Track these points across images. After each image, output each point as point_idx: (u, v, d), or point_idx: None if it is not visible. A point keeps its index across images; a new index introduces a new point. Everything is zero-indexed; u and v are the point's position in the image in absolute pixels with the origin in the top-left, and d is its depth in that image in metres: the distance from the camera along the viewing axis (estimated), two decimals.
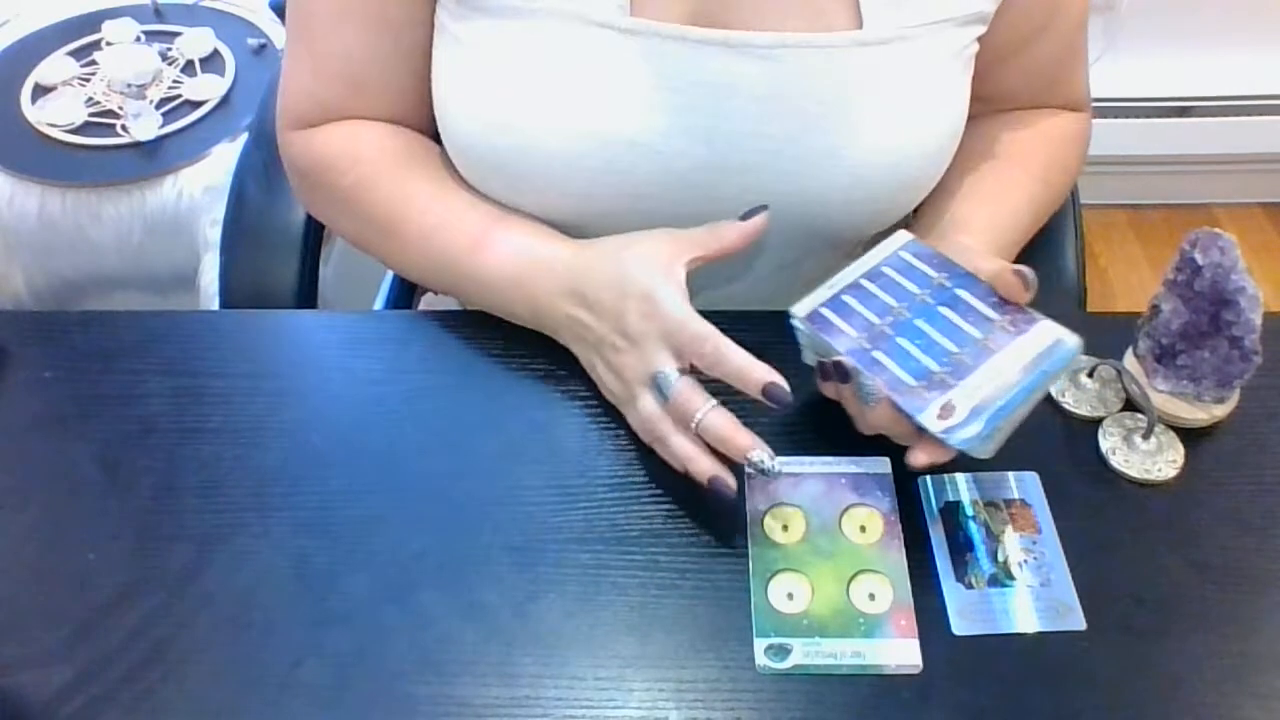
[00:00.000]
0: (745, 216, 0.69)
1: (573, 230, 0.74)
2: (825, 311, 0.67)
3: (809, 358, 0.70)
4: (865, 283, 0.68)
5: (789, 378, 0.72)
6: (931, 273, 0.68)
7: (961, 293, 0.66)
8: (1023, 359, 0.63)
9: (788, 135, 0.71)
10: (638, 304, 0.66)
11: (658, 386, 0.65)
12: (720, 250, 0.69)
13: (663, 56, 0.69)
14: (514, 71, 0.70)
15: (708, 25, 0.69)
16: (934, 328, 0.65)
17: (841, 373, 0.64)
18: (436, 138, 0.80)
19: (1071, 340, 0.63)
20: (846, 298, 0.67)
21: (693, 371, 0.65)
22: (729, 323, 0.77)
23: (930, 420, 0.61)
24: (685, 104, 0.70)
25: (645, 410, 0.66)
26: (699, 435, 0.64)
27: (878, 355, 0.64)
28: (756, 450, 0.62)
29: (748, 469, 0.63)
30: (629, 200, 0.73)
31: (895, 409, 0.63)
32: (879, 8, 0.70)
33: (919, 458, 0.63)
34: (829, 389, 0.68)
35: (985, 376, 0.62)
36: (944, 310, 0.66)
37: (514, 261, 0.73)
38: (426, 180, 0.77)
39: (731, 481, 0.64)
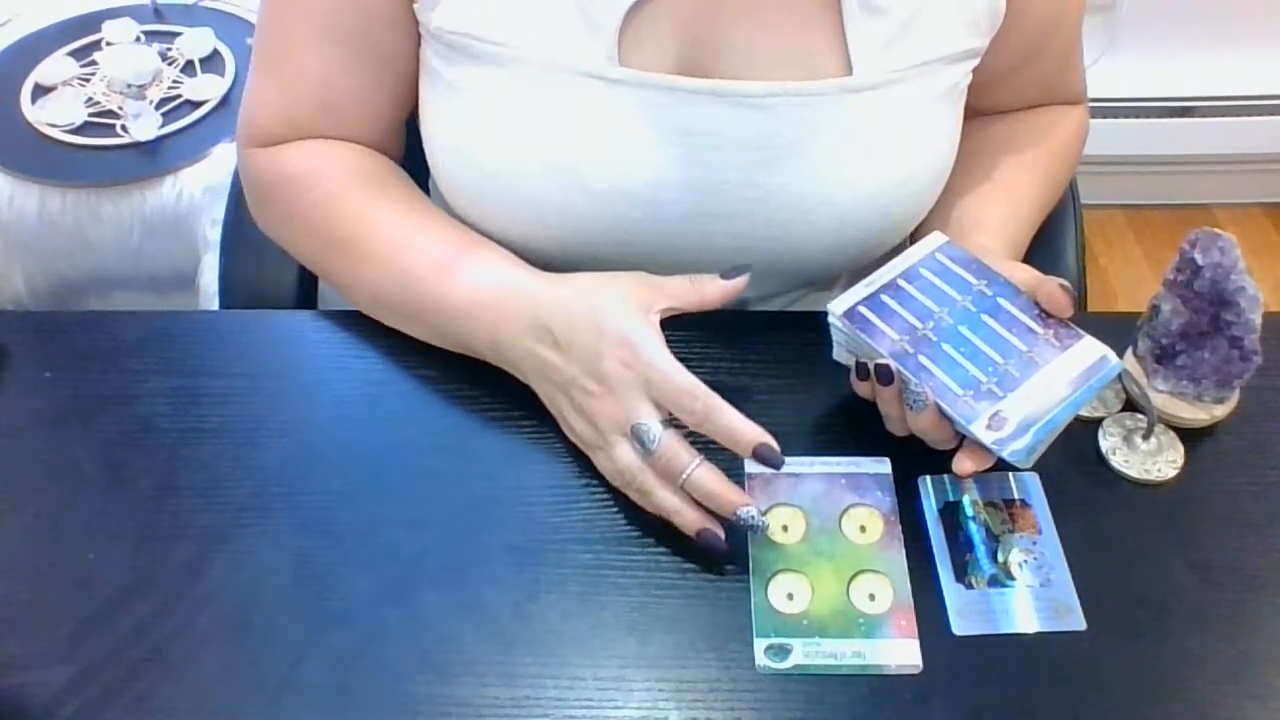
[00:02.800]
0: (728, 275, 0.68)
1: (559, 269, 0.73)
2: (864, 310, 0.66)
3: (840, 355, 0.69)
4: (903, 284, 0.68)
5: (792, 378, 0.73)
6: (970, 278, 0.68)
7: (1003, 302, 0.66)
8: (1069, 375, 0.63)
9: (778, 183, 0.71)
10: (615, 349, 0.63)
11: (639, 438, 0.63)
12: (698, 304, 0.67)
13: (652, 106, 0.69)
14: (503, 120, 0.70)
15: (696, 74, 0.69)
16: (978, 336, 0.65)
17: (885, 376, 0.64)
18: (406, 165, 0.79)
19: (1114, 358, 0.64)
20: (885, 298, 0.67)
21: (672, 421, 0.64)
22: (741, 323, 0.77)
23: (980, 430, 0.61)
24: (675, 153, 0.70)
25: (623, 460, 0.64)
26: (685, 490, 0.63)
27: (923, 360, 0.64)
28: (746, 508, 0.62)
29: (738, 521, 0.62)
30: (618, 246, 0.73)
31: (940, 415, 0.63)
32: (868, 53, 0.69)
33: (965, 465, 0.63)
34: (864, 388, 0.67)
35: (1033, 390, 0.62)
36: (987, 319, 0.66)
37: (481, 287, 0.69)
38: (394, 200, 0.75)
39: (720, 532, 0.63)
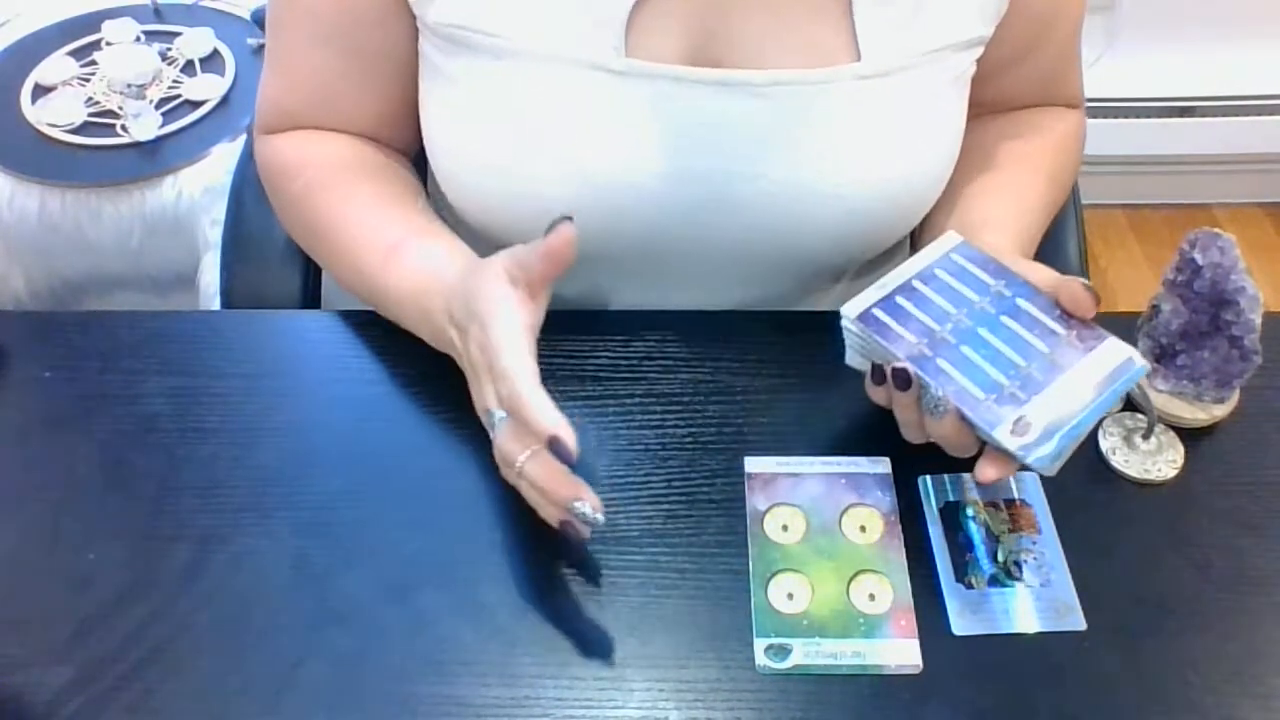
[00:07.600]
0: (549, 229, 0.60)
1: (571, 271, 0.73)
2: (879, 313, 0.64)
3: (854, 360, 0.67)
4: (918, 285, 0.65)
5: (792, 378, 0.73)
6: (988, 279, 0.65)
7: (1023, 302, 0.64)
8: (1094, 377, 0.61)
9: (786, 175, 0.70)
10: (476, 330, 0.62)
11: (488, 426, 0.62)
12: (542, 256, 0.60)
13: (659, 98, 0.68)
14: (507, 114, 0.69)
15: (703, 64, 0.68)
16: (998, 338, 0.62)
17: (903, 380, 0.62)
18: (412, 157, 0.80)
19: (1140, 359, 0.61)
20: (900, 300, 0.65)
21: None
22: (741, 323, 0.77)
23: (1004, 436, 0.59)
24: (683, 145, 0.69)
25: (495, 451, 0.62)
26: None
27: (942, 364, 0.62)
28: (578, 502, 0.58)
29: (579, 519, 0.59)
30: (628, 242, 0.72)
31: (961, 421, 0.61)
32: (877, 39, 0.69)
33: (988, 472, 0.60)
34: (880, 394, 0.65)
35: (1057, 393, 0.60)
36: (1007, 320, 0.63)
37: (412, 278, 0.70)
38: (367, 192, 0.76)
39: (584, 530, 0.60)
